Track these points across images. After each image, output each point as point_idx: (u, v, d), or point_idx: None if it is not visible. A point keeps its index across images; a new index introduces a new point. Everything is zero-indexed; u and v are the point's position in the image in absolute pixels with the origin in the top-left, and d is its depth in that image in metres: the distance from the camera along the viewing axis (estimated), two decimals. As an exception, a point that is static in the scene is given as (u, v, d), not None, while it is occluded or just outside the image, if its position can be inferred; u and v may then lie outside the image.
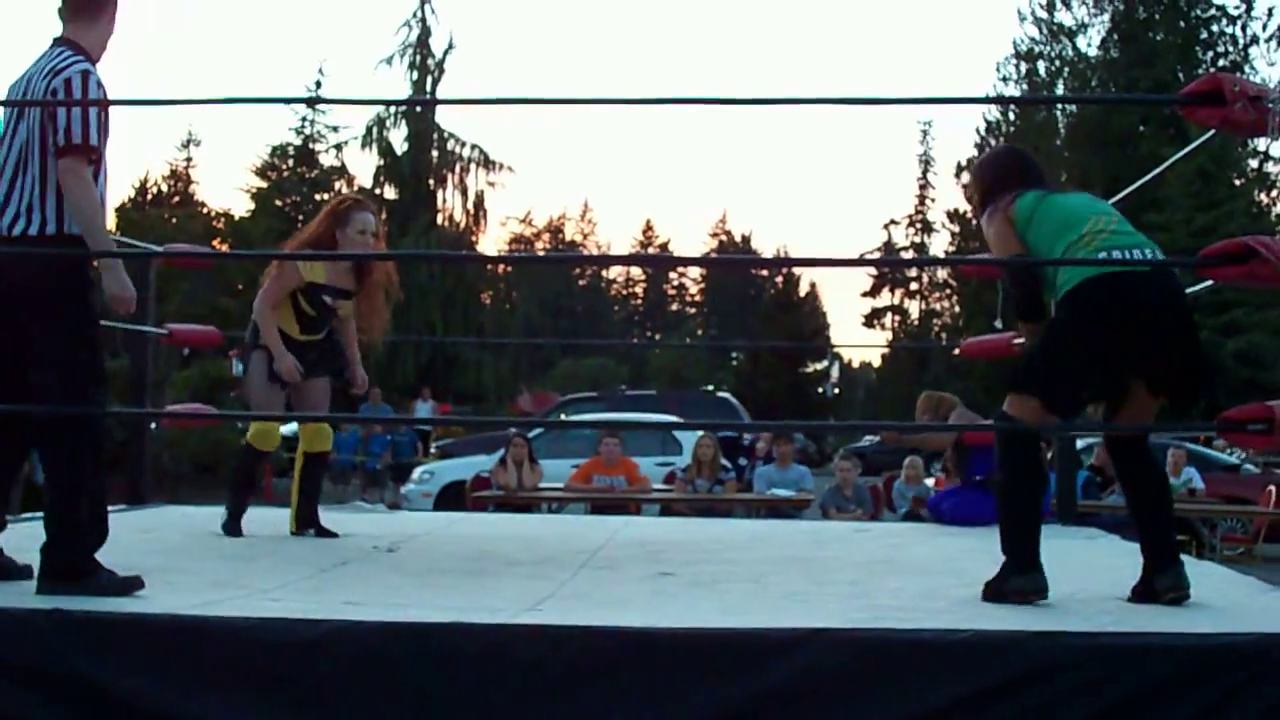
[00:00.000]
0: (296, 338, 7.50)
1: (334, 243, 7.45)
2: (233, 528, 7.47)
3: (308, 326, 7.50)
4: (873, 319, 78.15)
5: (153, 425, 9.67)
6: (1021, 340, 9.37)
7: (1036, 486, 5.26)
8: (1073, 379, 5.01)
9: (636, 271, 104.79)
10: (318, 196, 54.10)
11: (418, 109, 50.42)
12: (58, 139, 4.84)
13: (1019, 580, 4.92)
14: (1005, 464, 5.17)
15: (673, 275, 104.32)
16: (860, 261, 17.23)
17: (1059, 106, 51.90)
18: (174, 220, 49.80)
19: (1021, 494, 5.19)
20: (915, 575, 5.92)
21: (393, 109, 50.16)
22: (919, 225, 77.87)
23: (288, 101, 11.96)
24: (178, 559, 6.16)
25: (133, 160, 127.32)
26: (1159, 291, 4.94)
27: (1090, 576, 5.90)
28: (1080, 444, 15.04)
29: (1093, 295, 4.94)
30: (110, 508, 8.65)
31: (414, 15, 51.12)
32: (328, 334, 7.74)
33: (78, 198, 4.88)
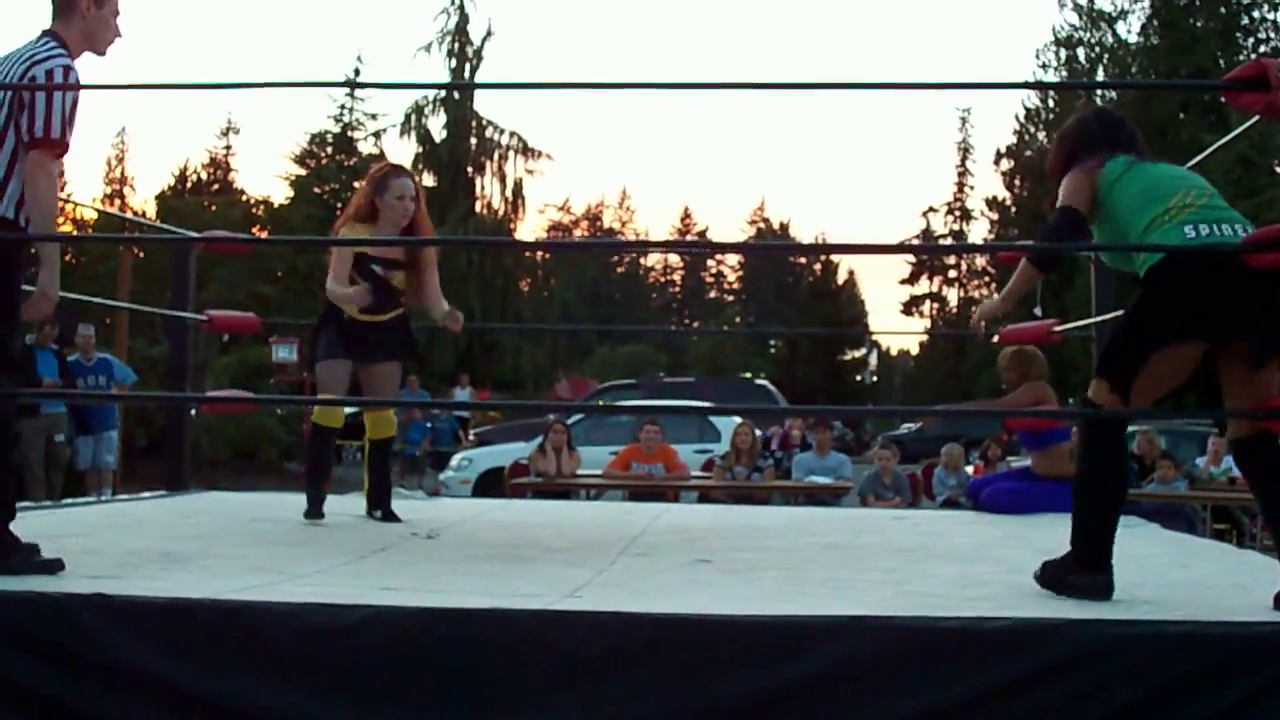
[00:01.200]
0: (356, 318, 7.51)
1: (374, 210, 7.54)
2: (313, 511, 7.52)
3: (366, 306, 7.48)
4: (911, 306, 78.11)
5: (192, 411, 9.71)
6: (1061, 329, 9.39)
7: (1117, 480, 4.96)
8: (1139, 362, 4.74)
9: (674, 259, 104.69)
10: (356, 184, 54.30)
11: (456, 96, 50.40)
12: (33, 130, 4.88)
13: (1083, 579, 4.70)
14: (1085, 453, 4.94)
15: (710, 262, 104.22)
16: (899, 248, 17.21)
17: (1099, 93, 51.64)
18: (213, 208, 49.98)
19: (1100, 486, 4.92)
20: (952, 563, 5.91)
21: (432, 96, 50.21)
22: (958, 213, 77.72)
23: (325, 85, 11.94)
24: (216, 544, 6.18)
25: (172, 148, 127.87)
26: (1241, 270, 4.56)
27: (1129, 564, 5.86)
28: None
29: (1171, 276, 4.69)
30: (149, 493, 8.78)
31: (452, 2, 51.19)
32: (399, 318, 7.74)
33: (43, 191, 4.92)
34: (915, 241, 76.60)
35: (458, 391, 30.48)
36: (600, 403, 24.51)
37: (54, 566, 4.83)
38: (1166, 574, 5.53)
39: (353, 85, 44.21)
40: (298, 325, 28.16)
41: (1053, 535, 7.09)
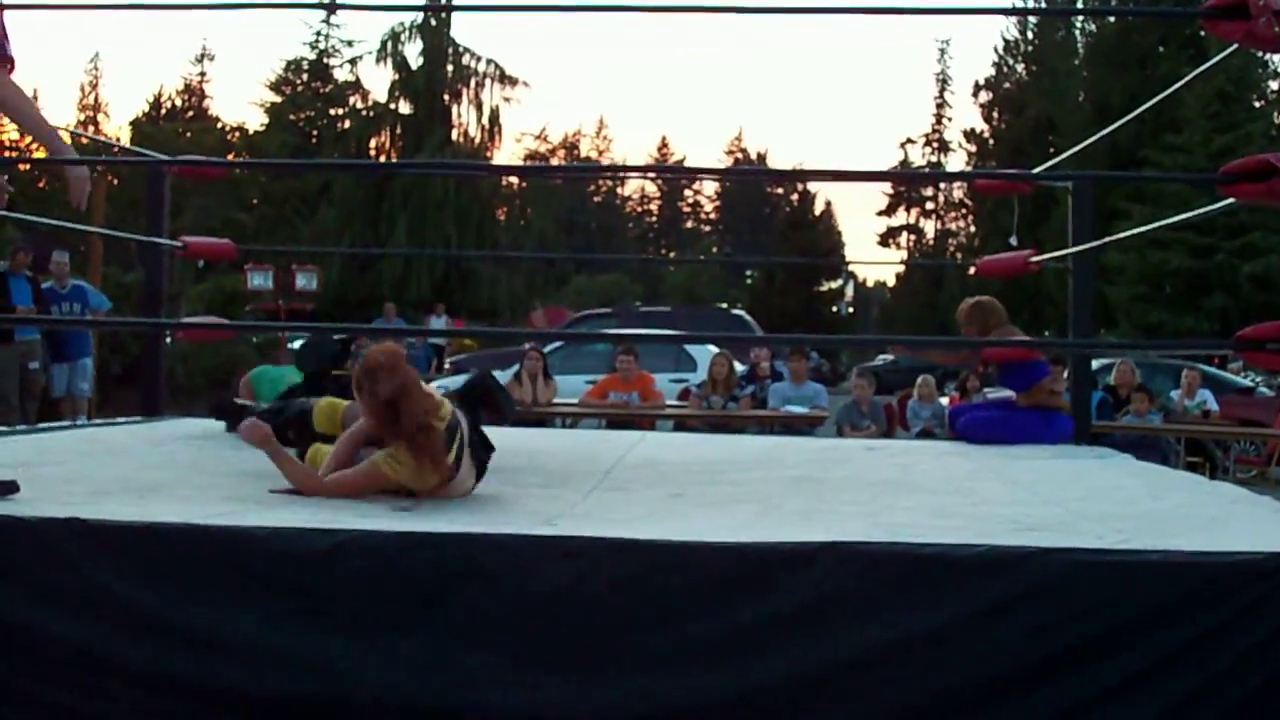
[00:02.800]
0: None
1: None
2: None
3: None
4: (888, 238, 78.14)
5: (167, 338, 9.68)
6: (1038, 259, 9.40)
7: None
8: None
9: (651, 188, 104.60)
10: (332, 111, 54.11)
11: (433, 23, 50.16)
12: None
13: None
14: None
15: (688, 192, 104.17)
16: (875, 175, 17.20)
17: (1078, 27, 51.56)
18: (188, 135, 49.85)
19: None
20: (926, 494, 5.92)
21: (408, 23, 50.02)
22: (936, 144, 77.62)
23: (302, 6, 11.87)
24: (191, 472, 6.18)
25: (147, 75, 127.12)
26: None
27: (1102, 495, 5.90)
28: (1096, 364, 15.07)
29: None
30: (124, 419, 8.76)
31: (430, -73, 50.85)
32: None
33: (20, 103, 4.99)
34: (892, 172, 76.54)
35: (433, 320, 30.47)
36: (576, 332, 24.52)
37: (10, 487, 4.82)
38: (1138, 505, 5.55)
39: (330, 7, 43.85)
40: (273, 252, 28.10)
41: (1026, 467, 7.16)
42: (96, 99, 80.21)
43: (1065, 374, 9.74)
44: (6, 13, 4.97)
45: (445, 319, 30.13)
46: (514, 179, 54.68)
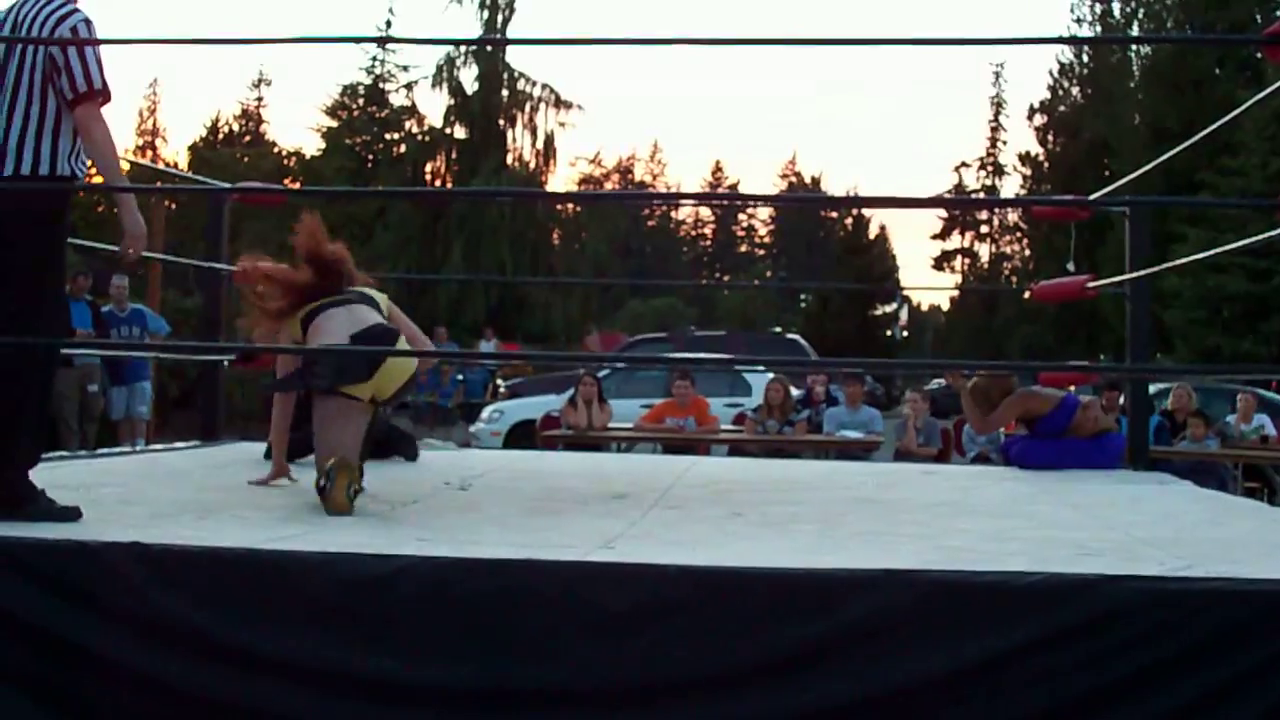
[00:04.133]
0: None
1: None
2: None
3: None
4: (942, 262, 77.83)
5: (225, 362, 9.74)
6: (1095, 284, 9.36)
7: None
8: None
9: (705, 212, 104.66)
10: (388, 136, 54.31)
11: (487, 48, 50.31)
12: (75, 85, 5.02)
13: None
14: None
15: (741, 217, 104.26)
16: (930, 202, 17.17)
17: (1133, 49, 51.30)
18: (245, 159, 50.10)
19: None
20: (985, 517, 5.90)
21: (463, 48, 50.14)
22: (990, 168, 77.35)
23: (358, 40, 11.95)
24: (250, 495, 6.22)
25: (204, 100, 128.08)
26: None
27: (1163, 520, 5.87)
28: (1153, 389, 14.96)
29: None
30: (184, 444, 8.82)
31: (483, -45, 51.00)
32: None
33: (100, 140, 5.10)
34: (948, 196, 76.36)
35: (483, 344, 30.50)
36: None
37: (72, 514, 4.89)
38: (1199, 531, 5.52)
39: (383, 40, 44.08)
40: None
41: (1085, 491, 7.12)
42: (155, 124, 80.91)
43: (1120, 397, 9.68)
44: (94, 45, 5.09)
45: (495, 343, 30.15)
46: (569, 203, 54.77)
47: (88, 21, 5.12)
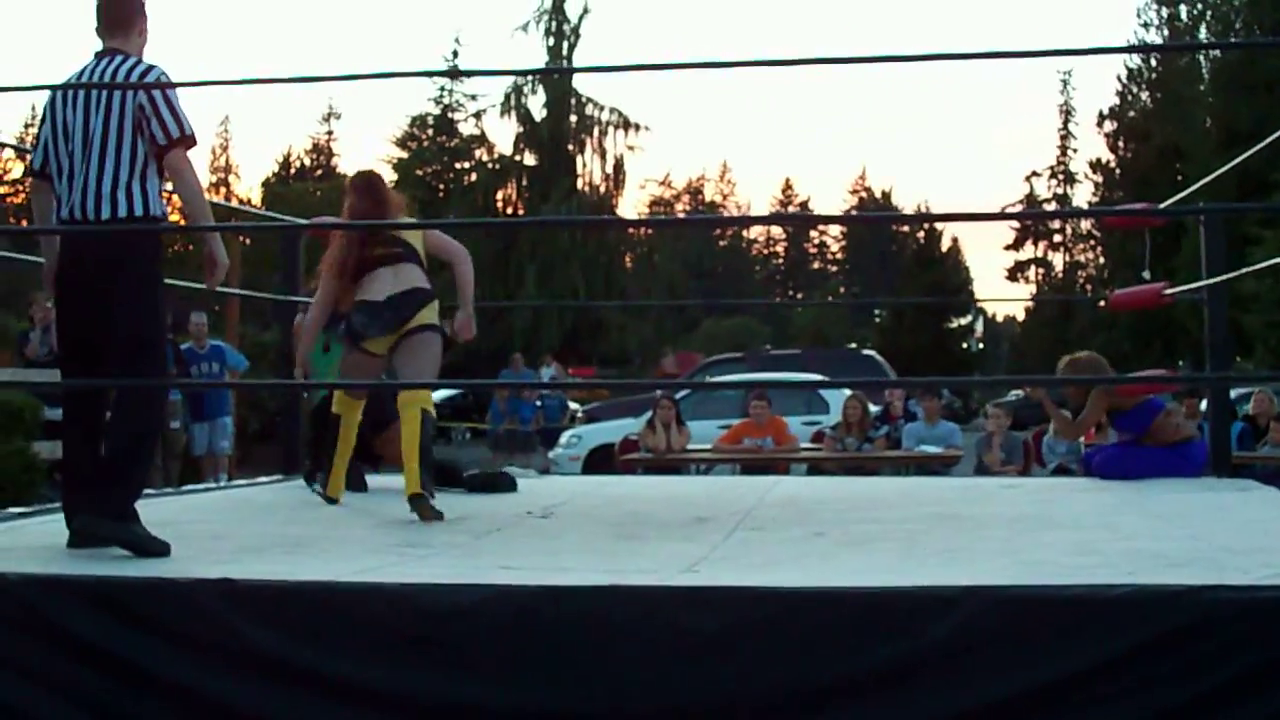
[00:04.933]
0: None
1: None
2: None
3: None
4: (1016, 272, 77.35)
5: (305, 395, 9.81)
6: (1171, 291, 9.31)
7: None
8: None
9: (777, 231, 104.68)
10: (458, 165, 54.61)
11: (554, 75, 50.52)
12: (167, 132, 5.40)
13: None
14: None
15: (813, 233, 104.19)
16: (1000, 216, 17.09)
17: (1202, 52, 50.93)
18: (317, 193, 50.37)
19: None
20: (1068, 530, 5.88)
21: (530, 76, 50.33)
22: (1061, 176, 76.90)
23: (428, 74, 12.04)
24: (333, 527, 6.28)
25: (276, 136, 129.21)
26: None
27: (1246, 528, 5.83)
28: (1235, 394, 14.83)
29: None
30: (266, 478, 8.91)
31: (548, -19, 51.21)
32: None
33: (190, 182, 5.50)
34: (1018, 207, 75.92)
35: (544, 371, 30.43)
36: (707, 377, 24.53)
37: (162, 548, 5.08)
38: (1284, 538, 5.49)
39: (454, 74, 44.35)
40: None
41: (1167, 500, 7.08)
42: (227, 161, 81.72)
43: (1201, 404, 9.61)
44: (175, 93, 5.45)
45: (555, 368, 30.03)
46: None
47: (166, 75, 5.48)
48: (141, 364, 5.38)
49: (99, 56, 5.57)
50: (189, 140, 5.46)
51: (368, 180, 7.82)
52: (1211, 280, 8.73)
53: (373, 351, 7.23)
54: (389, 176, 53.55)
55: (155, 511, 6.55)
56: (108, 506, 5.15)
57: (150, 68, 5.48)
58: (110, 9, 5.66)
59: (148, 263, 5.47)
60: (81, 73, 5.54)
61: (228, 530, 6.07)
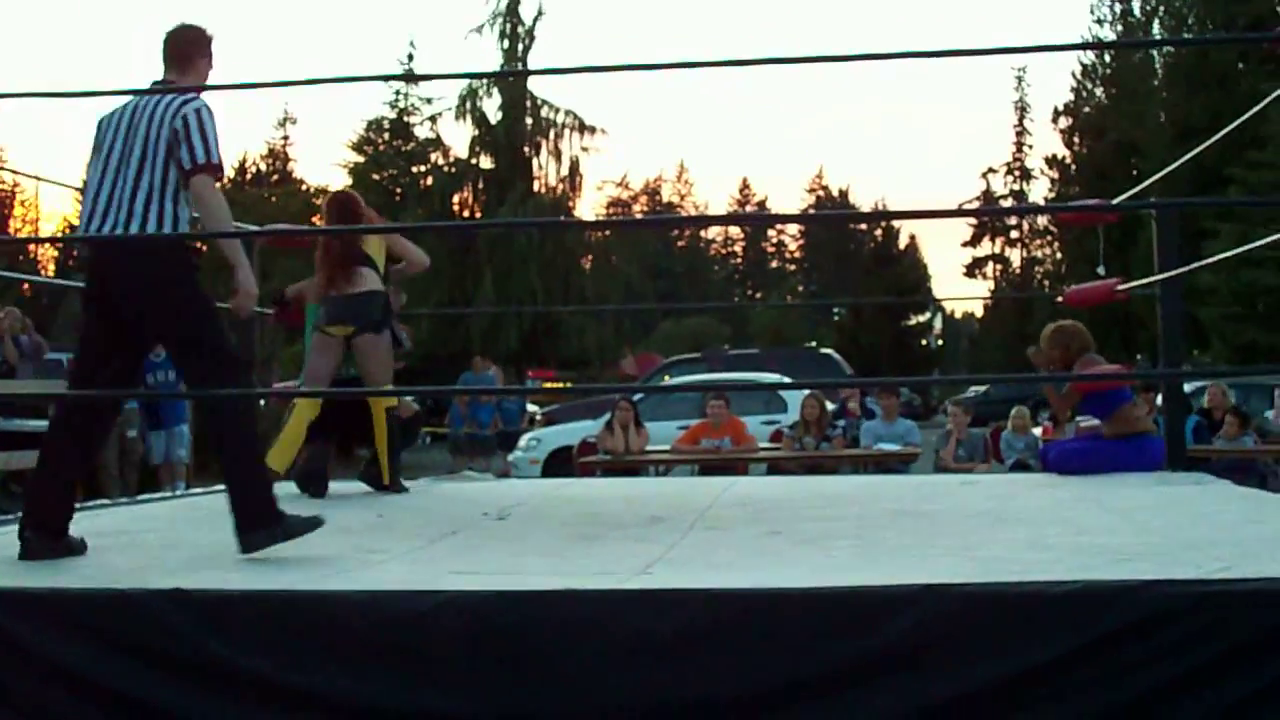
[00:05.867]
0: None
1: None
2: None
3: None
4: (974, 268, 77.76)
5: (261, 403, 9.78)
6: (1125, 286, 9.35)
7: None
8: None
9: (735, 230, 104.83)
10: (414, 169, 54.47)
11: (510, 77, 50.47)
12: (194, 158, 5.56)
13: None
14: None
15: (771, 233, 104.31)
16: (956, 213, 17.13)
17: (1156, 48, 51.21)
18: (273, 199, 50.28)
19: None
20: (1023, 526, 5.91)
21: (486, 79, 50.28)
22: (1017, 172, 77.30)
23: (384, 79, 11.93)
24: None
25: (231, 141, 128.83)
26: None
27: (1200, 521, 5.86)
28: (1189, 387, 14.91)
29: None
30: (222, 486, 8.89)
31: (503, -17, 51.13)
32: None
33: (214, 209, 5.63)
34: (976, 203, 76.24)
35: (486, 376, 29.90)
36: (666, 377, 24.54)
37: (315, 523, 5.62)
38: (1239, 530, 5.51)
39: (409, 78, 44.24)
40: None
41: (1123, 495, 7.11)
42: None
43: (1157, 398, 9.67)
44: (213, 125, 5.67)
45: (495, 372, 29.20)
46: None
47: (208, 108, 5.69)
48: (209, 368, 5.62)
49: (153, 85, 5.82)
50: (214, 168, 5.60)
51: (341, 202, 8.94)
52: (1164, 275, 8.77)
53: (333, 334, 8.44)
54: (344, 181, 53.52)
55: (110, 521, 6.55)
56: (252, 521, 5.42)
57: (192, 98, 5.67)
58: (171, 45, 5.95)
59: (176, 274, 5.60)
60: (132, 99, 5.76)
61: (182, 539, 6.06)
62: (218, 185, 5.68)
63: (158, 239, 5.53)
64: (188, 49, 5.95)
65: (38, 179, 59.43)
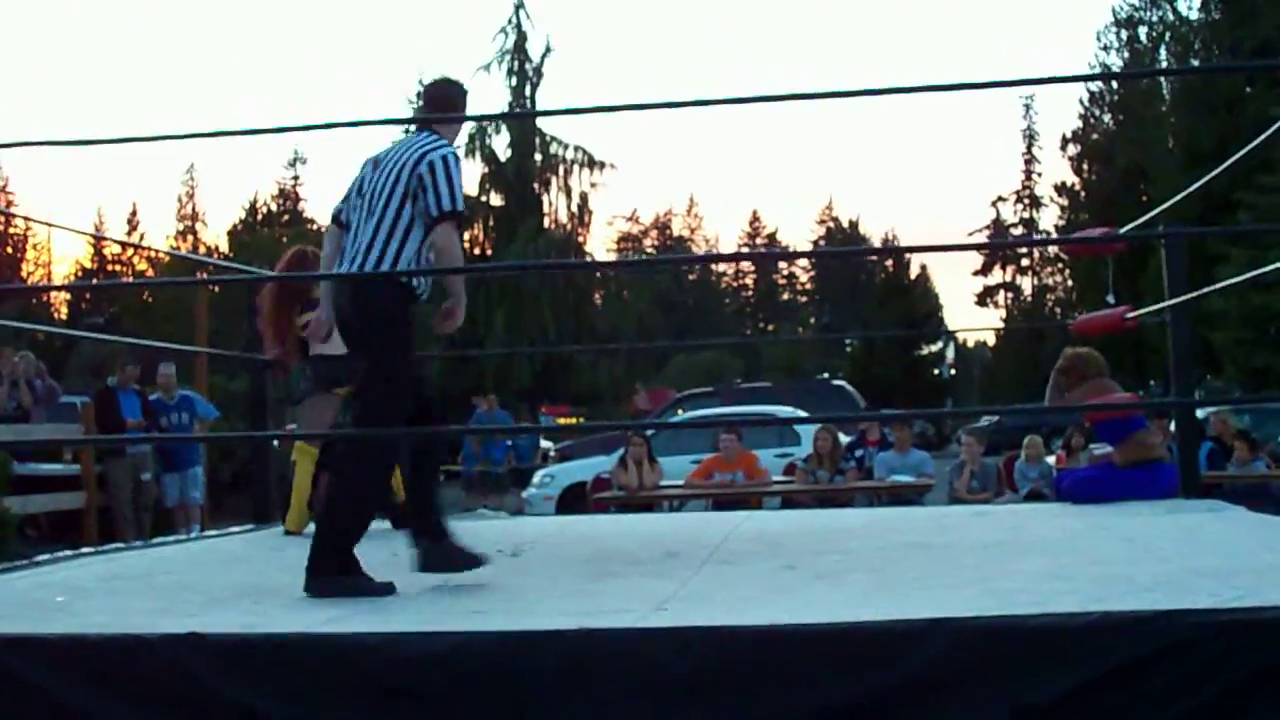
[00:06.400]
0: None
1: None
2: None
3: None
4: (985, 297, 77.76)
5: (275, 444, 9.81)
6: (1134, 314, 9.34)
7: None
8: None
9: (746, 264, 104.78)
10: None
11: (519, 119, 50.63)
12: (440, 206, 5.85)
13: None
14: None
15: (782, 265, 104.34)
16: (964, 246, 17.16)
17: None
18: (284, 239, 50.35)
19: None
20: (1039, 557, 5.89)
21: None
22: (1027, 200, 77.35)
23: (397, 122, 12.04)
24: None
25: (243, 181, 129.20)
26: None
27: (1215, 549, 5.85)
28: (1201, 413, 14.89)
29: None
30: (238, 528, 8.92)
31: (509, 21, 51.34)
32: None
33: (453, 254, 5.95)
34: (985, 232, 76.29)
35: (477, 414, 29.44)
36: (680, 411, 24.53)
37: (387, 590, 5.52)
38: (1255, 558, 5.50)
39: (416, 120, 44.28)
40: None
41: (1138, 524, 7.10)
42: (194, 209, 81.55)
43: (1170, 424, 9.67)
44: (458, 173, 5.96)
45: (485, 406, 28.49)
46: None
47: (455, 155, 6.02)
48: (365, 414, 5.95)
49: (415, 130, 6.24)
50: (457, 216, 5.87)
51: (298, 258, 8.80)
52: (1173, 301, 8.76)
53: (336, 393, 8.33)
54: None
55: (126, 565, 6.56)
56: (330, 567, 5.57)
57: (440, 146, 5.97)
58: (430, 95, 6.47)
59: (385, 314, 5.90)
60: (390, 151, 6.13)
61: (198, 581, 6.05)
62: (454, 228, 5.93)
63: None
64: (443, 105, 6.32)
65: (49, 225, 59.58)
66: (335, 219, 6.28)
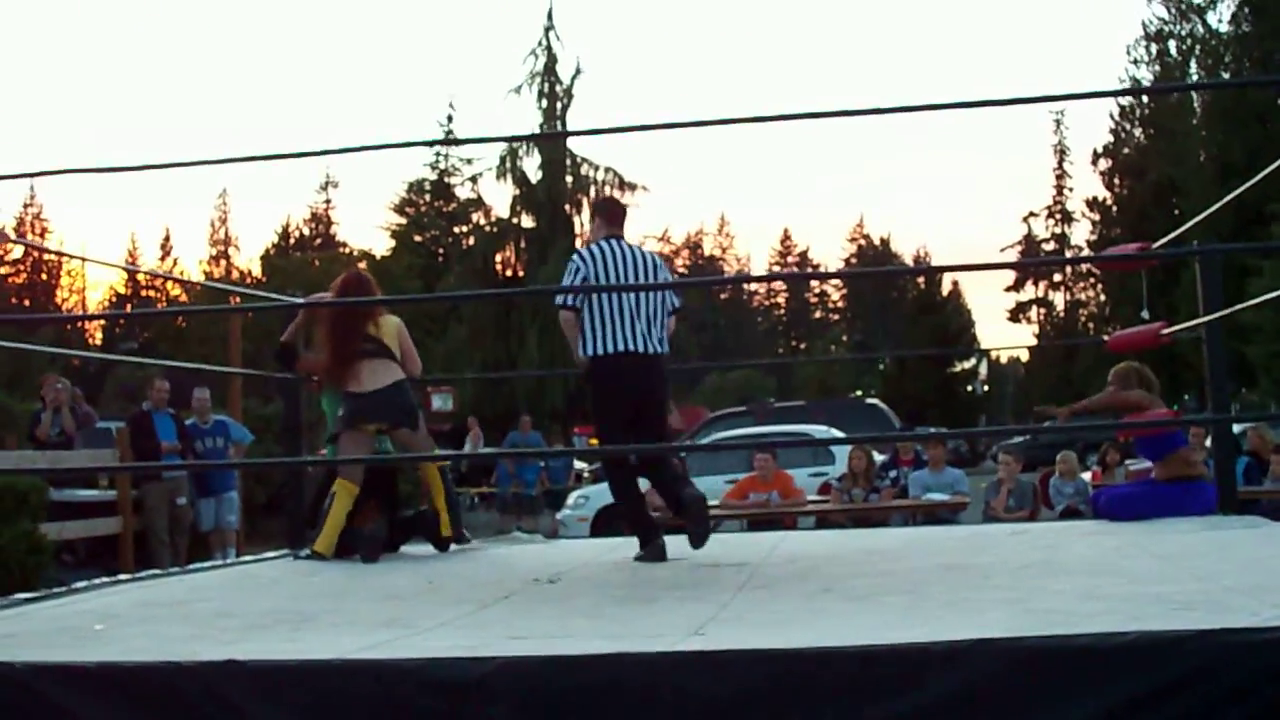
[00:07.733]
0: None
1: None
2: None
3: None
4: (1018, 313, 77.51)
5: (310, 468, 9.82)
6: (1169, 330, 9.31)
7: None
8: None
9: (778, 283, 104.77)
10: (456, 229, 54.71)
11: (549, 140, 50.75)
12: (676, 304, 8.51)
13: None
14: None
15: (814, 284, 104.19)
16: (995, 265, 17.10)
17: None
18: (316, 263, 50.48)
19: None
20: (1074, 576, 5.87)
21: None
22: (1058, 216, 77.15)
23: (425, 144, 12.11)
24: (342, 600, 6.27)
25: (275, 206, 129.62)
26: None
27: (1253, 567, 5.82)
28: (1237, 428, 14.82)
29: None
30: (273, 553, 8.93)
31: (539, 44, 51.51)
32: None
33: (671, 334, 8.44)
34: (1017, 248, 76.17)
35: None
36: (713, 432, 24.49)
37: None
38: (1293, 575, 5.47)
39: (440, 143, 44.42)
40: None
41: (1175, 541, 7.07)
42: (226, 234, 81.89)
43: (1206, 439, 9.63)
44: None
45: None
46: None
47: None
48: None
49: (614, 239, 8.35)
50: (682, 310, 8.47)
51: (354, 282, 9.06)
52: (1209, 317, 8.73)
53: (367, 430, 8.68)
54: (388, 244, 53.75)
55: (163, 591, 6.58)
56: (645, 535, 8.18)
57: (659, 257, 8.60)
58: (611, 207, 8.87)
59: (597, 384, 8.29)
60: (631, 251, 8.31)
61: (234, 608, 6.07)
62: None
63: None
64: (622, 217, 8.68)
65: (84, 259, 59.97)
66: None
